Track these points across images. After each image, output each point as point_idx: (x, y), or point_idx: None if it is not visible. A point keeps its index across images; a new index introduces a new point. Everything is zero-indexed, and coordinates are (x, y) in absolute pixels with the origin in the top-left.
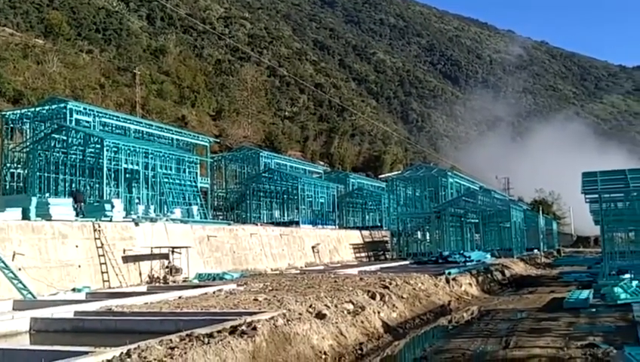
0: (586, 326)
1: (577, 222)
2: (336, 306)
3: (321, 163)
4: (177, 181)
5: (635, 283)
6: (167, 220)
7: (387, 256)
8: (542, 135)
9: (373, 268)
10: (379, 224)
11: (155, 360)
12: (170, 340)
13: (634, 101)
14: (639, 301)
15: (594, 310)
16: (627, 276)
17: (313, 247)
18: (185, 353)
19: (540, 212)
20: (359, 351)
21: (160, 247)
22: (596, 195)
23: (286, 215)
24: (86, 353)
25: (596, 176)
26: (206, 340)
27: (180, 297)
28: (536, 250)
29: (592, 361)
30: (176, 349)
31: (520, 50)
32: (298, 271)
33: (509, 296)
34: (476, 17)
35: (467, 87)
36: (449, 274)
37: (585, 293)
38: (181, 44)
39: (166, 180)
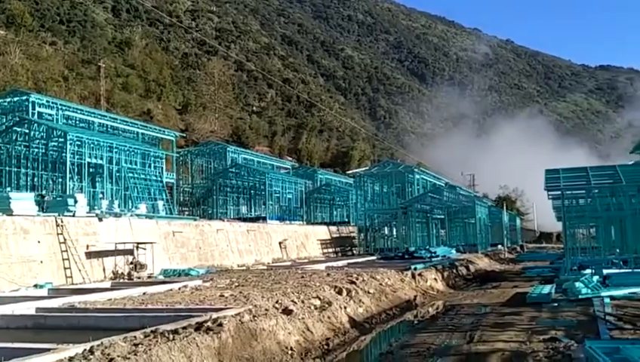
0: (549, 321)
1: (540, 219)
2: (303, 302)
3: (289, 158)
4: (142, 176)
5: (595, 278)
6: (131, 215)
7: (354, 252)
8: (506, 132)
9: (340, 263)
10: (346, 220)
11: (118, 357)
12: (135, 337)
13: (596, 100)
14: (600, 296)
15: (556, 305)
16: (588, 271)
17: (280, 243)
18: (149, 349)
19: (504, 208)
20: (326, 347)
21: (124, 243)
22: (558, 192)
23: (253, 210)
24: (48, 350)
25: (559, 174)
26: (171, 337)
27: (144, 293)
28: (500, 246)
29: (554, 355)
30: (140, 346)
31: (486, 49)
32: (265, 267)
33: (474, 290)
34: (443, 15)
35: (434, 84)
36: (415, 269)
37: (547, 288)
38: (147, 37)
39: (131, 175)
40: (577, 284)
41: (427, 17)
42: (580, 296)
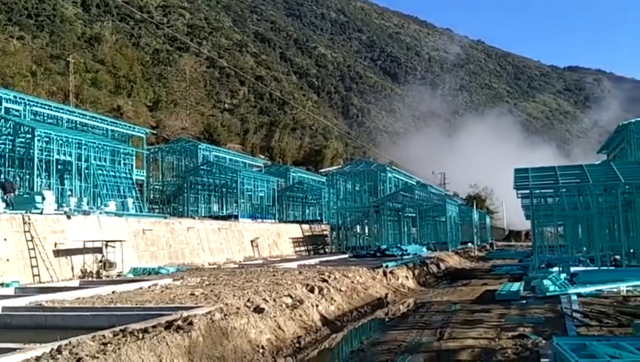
0: (517, 318)
1: (509, 217)
2: (274, 300)
3: (262, 156)
4: (112, 173)
5: (563, 276)
6: (100, 213)
7: (327, 250)
8: (476, 132)
9: (312, 261)
10: (319, 218)
11: (87, 356)
12: (103, 336)
13: (564, 100)
14: (567, 293)
15: (524, 302)
16: (556, 269)
17: (252, 241)
18: (118, 349)
19: (474, 206)
20: (297, 345)
21: (93, 241)
22: (527, 191)
23: (225, 208)
24: (14, 350)
25: (527, 173)
26: (140, 335)
27: (113, 292)
28: (470, 244)
29: (522, 352)
30: (109, 345)
31: (457, 49)
32: (236, 266)
33: (444, 288)
34: (416, 15)
35: (406, 83)
36: (386, 267)
37: (516, 286)
38: (117, 33)
39: (100, 172)
40: (545, 282)
41: (400, 17)
42: (547, 294)
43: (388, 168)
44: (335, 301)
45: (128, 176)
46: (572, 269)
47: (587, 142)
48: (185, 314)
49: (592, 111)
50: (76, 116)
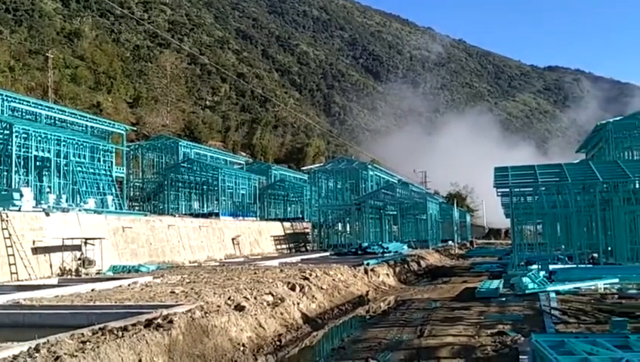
0: (496, 315)
1: (489, 215)
2: (255, 298)
3: (243, 154)
4: (91, 170)
5: (542, 273)
6: (80, 210)
7: (308, 248)
8: (457, 130)
9: (294, 259)
10: (300, 216)
11: (65, 354)
12: (82, 334)
13: (544, 100)
14: (546, 290)
15: (504, 299)
16: (535, 267)
17: (233, 239)
18: (97, 347)
19: (455, 205)
20: (278, 343)
21: (72, 238)
22: (507, 189)
23: (205, 206)
24: None
25: (507, 171)
26: (120, 334)
27: (92, 290)
28: (450, 242)
29: (502, 349)
30: (88, 343)
31: (439, 48)
32: (217, 264)
33: (425, 285)
34: (397, 14)
35: (388, 81)
36: (367, 264)
37: (495, 283)
38: (97, 28)
39: (79, 169)
40: (524, 279)
41: (382, 15)
42: (526, 291)
43: (370, 166)
44: (316, 299)
45: (108, 173)
46: (551, 267)
47: (566, 141)
48: (165, 312)
49: (571, 111)
50: (55, 112)
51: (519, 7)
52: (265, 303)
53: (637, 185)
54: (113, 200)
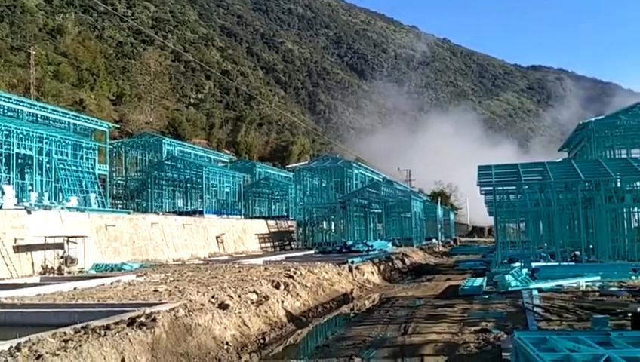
0: (480, 313)
1: (473, 213)
2: (239, 296)
3: (227, 152)
4: (74, 167)
5: (524, 271)
6: (62, 208)
7: (293, 246)
8: (441, 129)
9: (278, 257)
10: (285, 214)
11: (47, 353)
12: (64, 333)
13: (527, 99)
14: (528, 288)
15: (487, 297)
16: (518, 265)
17: (217, 237)
18: (80, 346)
19: (439, 203)
20: (262, 341)
21: (54, 236)
22: (490, 188)
23: (189, 204)
24: None
25: (491, 170)
26: (102, 332)
27: (75, 288)
28: (434, 240)
29: (485, 346)
30: (70, 342)
31: (423, 47)
32: (201, 262)
33: (409, 283)
34: (382, 12)
35: (373, 80)
36: (352, 263)
37: (479, 281)
38: (80, 25)
39: (62, 166)
40: (507, 277)
41: (367, 13)
42: (509, 289)
43: (354, 164)
44: (301, 297)
45: (91, 170)
46: (533, 265)
47: (548, 139)
48: (148, 310)
49: (554, 109)
50: (37, 109)
51: (503, 7)
52: (249, 301)
53: (618, 184)
54: (96, 198)
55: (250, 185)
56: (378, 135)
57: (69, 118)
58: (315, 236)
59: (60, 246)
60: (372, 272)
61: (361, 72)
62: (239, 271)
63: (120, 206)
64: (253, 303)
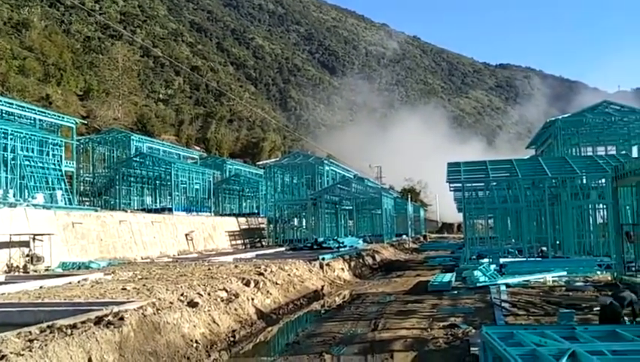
0: (449, 308)
1: (442, 209)
2: (209, 294)
3: (197, 148)
4: (40, 164)
5: (492, 266)
6: (27, 205)
7: (263, 243)
8: (411, 126)
9: (249, 255)
10: (256, 211)
11: (11, 353)
12: (30, 332)
13: (495, 97)
14: (496, 283)
15: (456, 292)
16: (486, 260)
17: (187, 235)
18: (45, 345)
19: (409, 200)
20: (232, 339)
21: (20, 234)
22: (459, 184)
23: (158, 201)
24: None
25: (460, 167)
26: (69, 331)
27: (41, 287)
28: (404, 236)
29: (453, 341)
30: (35, 341)
31: (394, 44)
32: (170, 260)
33: (379, 279)
34: (353, 9)
35: (344, 77)
36: (323, 259)
37: (448, 277)
38: (47, 19)
39: (27, 163)
40: (476, 273)
41: (338, 10)
42: (478, 284)
43: (326, 161)
44: (271, 294)
45: (57, 167)
46: (501, 260)
47: (516, 136)
48: (116, 309)
49: (521, 107)
50: (2, 105)
51: (472, 5)
52: (219, 299)
53: (584, 181)
54: (63, 195)
55: (220, 182)
56: (349, 131)
57: (35, 113)
58: (286, 233)
59: (26, 244)
60: (343, 269)
61: (332, 69)
62: (209, 269)
63: (87, 203)
64: (222, 301)
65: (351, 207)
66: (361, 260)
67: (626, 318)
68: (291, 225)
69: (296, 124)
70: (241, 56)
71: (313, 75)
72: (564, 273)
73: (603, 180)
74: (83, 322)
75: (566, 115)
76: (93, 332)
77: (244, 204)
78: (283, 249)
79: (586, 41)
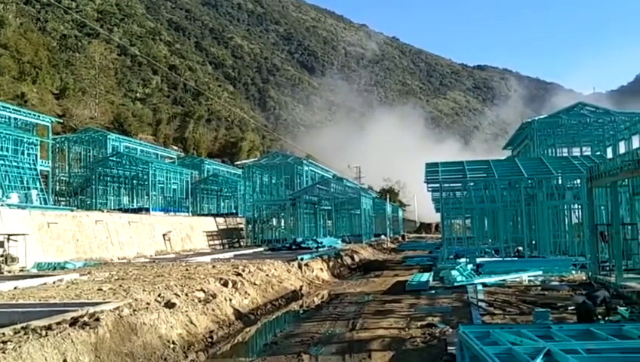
0: (426, 308)
1: (420, 210)
2: (186, 295)
3: (175, 148)
4: (14, 163)
5: (470, 266)
6: (2, 205)
7: (242, 243)
8: (390, 127)
9: (227, 255)
10: (234, 211)
11: None
12: (3, 334)
13: (473, 98)
14: (473, 283)
15: (433, 292)
16: (463, 260)
17: (164, 235)
18: (19, 347)
19: (387, 200)
20: (209, 339)
21: None
22: (437, 185)
23: (135, 201)
24: None
25: (437, 167)
26: (43, 333)
27: (15, 288)
28: (383, 236)
29: (431, 340)
30: (9, 343)
31: (373, 45)
32: (147, 260)
33: (357, 279)
34: (332, 9)
35: (323, 77)
36: (301, 259)
37: (425, 276)
38: (22, 16)
39: (2, 162)
40: (453, 272)
41: (317, 10)
42: (455, 284)
43: (305, 161)
44: (249, 294)
45: (32, 166)
46: (478, 260)
47: (492, 136)
48: (91, 310)
49: (498, 108)
50: None
51: (451, 7)
52: (196, 300)
53: (560, 181)
54: (38, 194)
55: (198, 182)
56: (328, 131)
57: (10, 112)
58: (264, 233)
59: (0, 244)
60: (321, 269)
61: (312, 69)
62: (186, 269)
63: (63, 203)
64: (200, 301)
65: (330, 207)
66: (339, 260)
67: (600, 316)
68: (270, 226)
69: (275, 124)
70: (220, 56)
71: (292, 75)
72: (540, 272)
73: (578, 181)
74: (58, 323)
75: (542, 117)
76: (69, 334)
77: (222, 204)
78: (261, 249)
79: (562, 43)
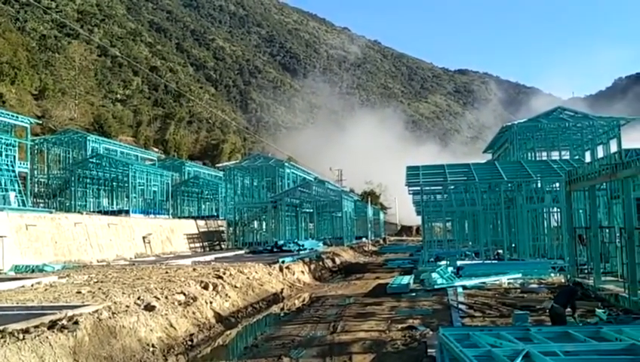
0: (407, 310)
1: (401, 212)
2: (166, 298)
3: (155, 149)
4: None
5: (450, 269)
6: None
7: (223, 246)
8: (372, 130)
9: (207, 258)
10: (215, 213)
11: None
12: None
13: (454, 101)
14: (453, 285)
15: (414, 294)
16: (443, 263)
17: (144, 237)
18: None
19: (369, 203)
20: (189, 342)
21: None
22: (418, 188)
23: (115, 203)
24: None
25: (418, 170)
26: (21, 336)
27: None
28: (364, 239)
29: (411, 342)
30: None
31: (355, 48)
32: (127, 263)
33: (339, 282)
34: (315, 12)
35: (305, 80)
36: (283, 262)
37: (406, 279)
38: (0, 16)
39: None
40: (433, 275)
41: (299, 13)
42: (435, 286)
43: (286, 164)
44: (230, 297)
45: (10, 168)
46: (458, 263)
47: (472, 140)
48: (70, 313)
49: (478, 112)
50: None
51: (433, 11)
52: (176, 303)
53: (539, 185)
54: (16, 196)
55: (179, 184)
56: (309, 134)
57: None
58: (245, 236)
59: None
60: (303, 271)
61: (294, 71)
62: (166, 272)
63: (42, 205)
64: (180, 304)
65: (311, 210)
66: (321, 263)
67: (572, 316)
68: (251, 228)
69: (256, 126)
70: (201, 57)
71: (274, 77)
72: (520, 275)
73: (557, 184)
74: (36, 326)
75: (522, 121)
76: (47, 337)
77: (203, 207)
78: (243, 252)
79: (542, 48)
